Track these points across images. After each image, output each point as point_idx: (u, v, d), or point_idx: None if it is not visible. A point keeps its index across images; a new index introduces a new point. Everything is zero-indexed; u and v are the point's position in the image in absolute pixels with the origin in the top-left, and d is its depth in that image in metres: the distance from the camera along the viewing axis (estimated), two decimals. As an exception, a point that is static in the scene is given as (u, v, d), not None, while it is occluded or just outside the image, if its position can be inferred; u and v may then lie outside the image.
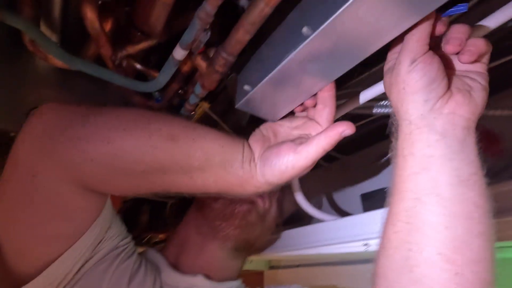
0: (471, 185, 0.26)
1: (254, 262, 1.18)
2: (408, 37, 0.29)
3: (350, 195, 0.88)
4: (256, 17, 0.32)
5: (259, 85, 0.40)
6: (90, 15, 0.36)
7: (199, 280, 0.47)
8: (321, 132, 0.34)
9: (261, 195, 0.52)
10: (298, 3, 0.37)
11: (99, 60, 0.46)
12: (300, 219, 0.87)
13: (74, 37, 0.47)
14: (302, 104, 0.42)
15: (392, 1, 0.29)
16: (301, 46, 0.34)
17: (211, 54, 0.41)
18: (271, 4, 0.31)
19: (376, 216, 0.52)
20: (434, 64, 0.27)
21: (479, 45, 0.27)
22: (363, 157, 0.79)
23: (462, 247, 0.25)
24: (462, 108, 0.27)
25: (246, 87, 0.43)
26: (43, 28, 0.44)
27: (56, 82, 0.53)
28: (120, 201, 1.00)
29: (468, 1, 0.37)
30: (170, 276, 0.47)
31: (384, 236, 0.30)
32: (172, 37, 0.44)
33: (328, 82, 0.41)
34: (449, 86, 0.28)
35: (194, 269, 0.49)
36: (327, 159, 0.80)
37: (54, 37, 0.46)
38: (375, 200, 0.80)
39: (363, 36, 0.33)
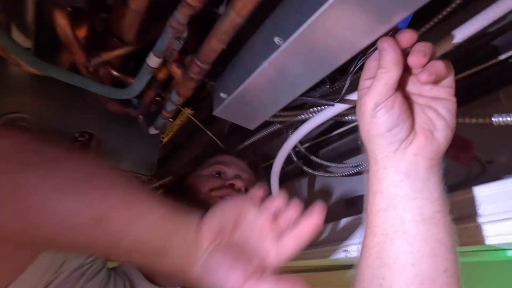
0: (435, 223, 0.27)
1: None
2: (378, 75, 0.29)
3: (335, 201, 0.89)
4: (228, 27, 0.32)
5: (235, 92, 0.40)
6: (61, 21, 0.36)
7: None
8: (276, 283, 0.29)
9: None
10: (271, 13, 0.37)
11: (74, 67, 0.45)
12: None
13: (49, 43, 0.46)
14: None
15: (358, 13, 0.30)
16: (273, 56, 0.34)
17: (187, 61, 0.40)
18: (242, 14, 0.31)
19: (355, 222, 0.53)
20: (395, 109, 0.28)
21: (437, 66, 0.27)
22: (347, 163, 0.79)
23: (428, 283, 0.26)
24: (425, 150, 0.28)
25: (222, 95, 0.43)
26: (16, 34, 0.43)
27: (31, 88, 0.51)
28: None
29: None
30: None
31: (359, 268, 0.31)
32: (150, 44, 0.44)
33: (303, 90, 0.41)
34: (413, 125, 0.29)
35: (171, 281, 0.48)
36: (312, 167, 0.80)
37: (28, 43, 0.45)
38: (359, 205, 0.81)
39: (334, 46, 0.34)
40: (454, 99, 0.29)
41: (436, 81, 0.28)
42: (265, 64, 0.35)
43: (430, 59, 0.27)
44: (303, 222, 0.31)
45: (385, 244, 0.28)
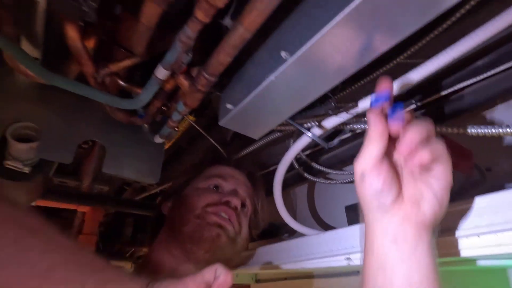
0: None
1: (240, 276, 1.16)
2: (365, 143, 0.29)
3: (334, 207, 0.90)
4: (237, 41, 0.33)
5: (241, 104, 0.41)
6: (71, 34, 0.36)
7: None
8: None
9: (229, 218, 0.51)
10: (278, 26, 0.38)
11: (83, 76, 0.46)
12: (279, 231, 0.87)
13: (57, 53, 0.46)
14: None
15: (365, 30, 0.31)
16: (279, 69, 0.35)
17: (194, 73, 0.41)
18: (250, 29, 0.32)
19: (358, 230, 0.53)
20: (381, 177, 0.28)
21: (424, 156, 0.27)
22: (347, 170, 0.80)
23: None
24: (411, 218, 0.29)
25: (229, 106, 0.43)
26: (25, 44, 0.44)
27: (37, 97, 0.52)
28: (102, 214, 0.97)
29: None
30: None
31: None
32: (156, 55, 0.44)
33: (308, 102, 0.42)
34: (400, 192, 0.29)
35: None
36: (312, 173, 0.81)
37: (35, 53, 0.45)
38: (359, 212, 0.81)
39: (340, 61, 0.35)
40: (449, 177, 0.29)
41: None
42: (272, 77, 0.36)
43: (427, 138, 0.27)
44: None
45: None
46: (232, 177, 0.59)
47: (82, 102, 0.55)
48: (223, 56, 0.35)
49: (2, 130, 0.46)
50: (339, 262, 0.58)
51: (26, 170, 0.49)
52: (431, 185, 0.29)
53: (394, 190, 0.29)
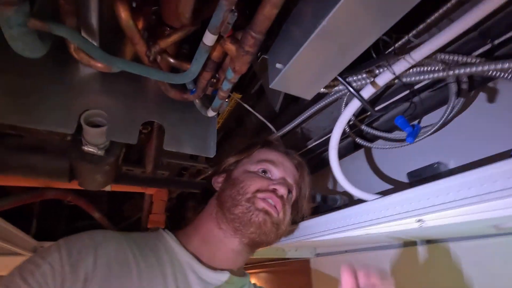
0: None
1: (300, 250, 1.17)
2: None
3: (397, 174, 0.84)
4: (282, -12, 0.31)
5: (292, 60, 0.39)
6: (124, 14, 0.38)
7: (227, 276, 0.51)
8: None
9: (275, 205, 0.53)
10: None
11: (135, 59, 0.48)
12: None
13: (111, 40, 0.50)
14: None
15: None
16: (332, 11, 0.32)
17: (240, 36, 0.40)
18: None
19: (429, 189, 0.48)
20: None
21: None
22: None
23: None
24: None
25: (278, 66, 0.42)
26: (84, 35, 0.48)
27: (100, 87, 0.57)
28: (167, 195, 1.06)
29: None
30: (203, 272, 0.49)
31: None
32: (200, 29, 0.45)
33: (361, 51, 0.38)
34: None
35: (220, 263, 0.52)
36: (368, 139, 0.76)
37: (94, 42, 0.49)
38: (422, 177, 0.75)
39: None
40: None
41: None
42: (324, 22, 0.34)
43: None
44: None
45: None
46: (282, 164, 0.59)
47: (138, 87, 0.59)
48: (269, 8, 0.33)
49: (77, 118, 0.51)
50: (409, 225, 0.54)
51: (101, 153, 0.55)
52: None
53: None
